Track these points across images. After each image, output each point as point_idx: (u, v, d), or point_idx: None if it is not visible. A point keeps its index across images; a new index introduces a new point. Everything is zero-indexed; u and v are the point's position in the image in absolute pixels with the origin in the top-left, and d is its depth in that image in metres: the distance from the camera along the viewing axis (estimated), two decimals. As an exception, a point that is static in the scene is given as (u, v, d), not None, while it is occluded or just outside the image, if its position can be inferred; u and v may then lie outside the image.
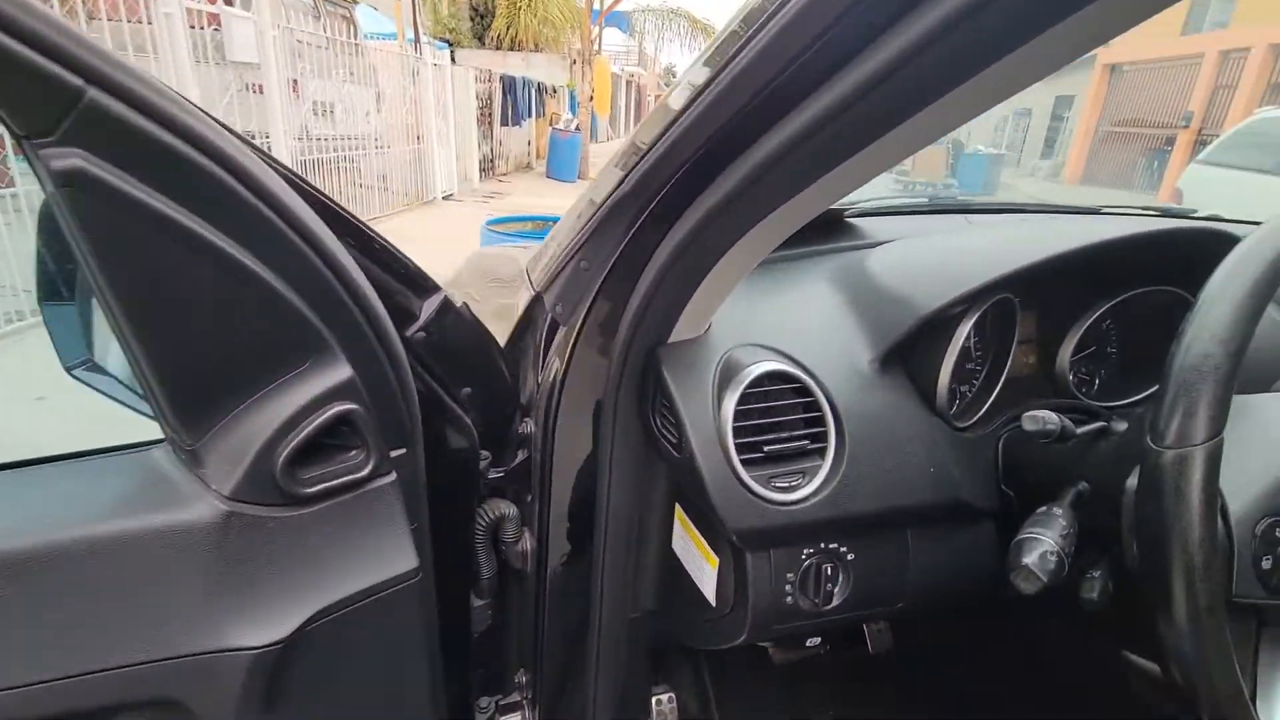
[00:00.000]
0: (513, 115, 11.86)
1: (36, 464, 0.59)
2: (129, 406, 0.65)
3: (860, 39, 0.41)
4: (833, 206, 1.19)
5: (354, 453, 0.60)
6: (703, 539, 0.78)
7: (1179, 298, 0.86)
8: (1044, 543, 0.61)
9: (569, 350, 0.78)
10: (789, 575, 0.72)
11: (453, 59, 9.57)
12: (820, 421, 0.72)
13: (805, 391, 0.73)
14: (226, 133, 0.48)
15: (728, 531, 0.69)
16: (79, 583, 0.49)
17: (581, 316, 0.76)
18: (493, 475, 0.92)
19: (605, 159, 0.83)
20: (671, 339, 0.74)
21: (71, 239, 0.44)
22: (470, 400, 0.84)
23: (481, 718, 1.02)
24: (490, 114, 11.00)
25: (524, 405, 0.93)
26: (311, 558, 0.57)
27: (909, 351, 0.80)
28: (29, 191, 3.42)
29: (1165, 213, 1.43)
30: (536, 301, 0.84)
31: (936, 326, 0.78)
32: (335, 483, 0.58)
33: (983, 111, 0.45)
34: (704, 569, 0.78)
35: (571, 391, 0.81)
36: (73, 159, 0.41)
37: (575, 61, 14.59)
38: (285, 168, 0.58)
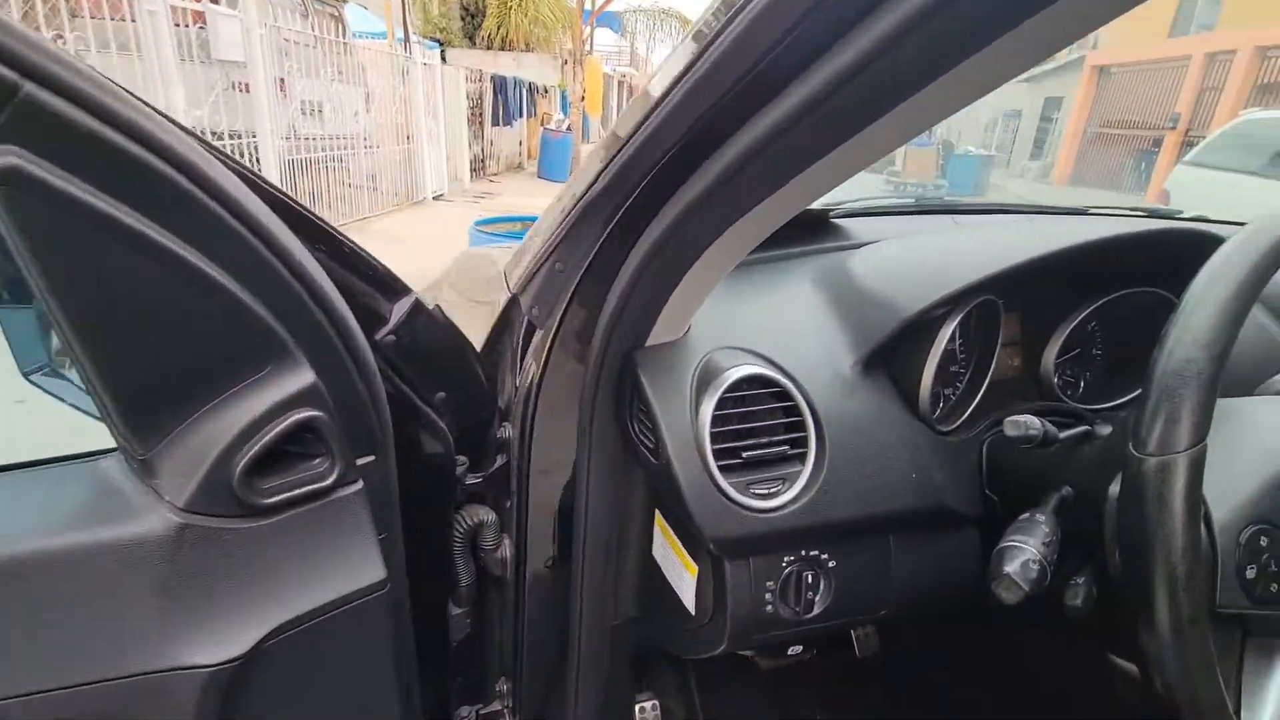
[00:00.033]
0: (504, 115, 11.82)
1: None
2: (90, 414, 0.63)
3: (832, 32, 0.40)
4: (818, 207, 1.18)
5: (318, 461, 0.58)
6: (682, 546, 0.76)
7: (1164, 299, 0.85)
8: (1026, 551, 0.59)
9: (545, 354, 0.77)
10: (769, 583, 0.71)
11: (443, 58, 9.52)
12: (800, 426, 0.71)
13: (785, 396, 0.71)
14: (176, 129, 0.46)
15: (705, 540, 0.67)
16: (21, 600, 0.47)
17: (558, 319, 0.74)
18: (470, 481, 0.91)
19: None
20: (649, 342, 0.73)
21: (10, 241, 0.42)
22: (445, 405, 0.82)
23: None
24: (481, 114, 10.96)
25: (502, 409, 0.92)
26: (271, 570, 0.55)
27: (891, 354, 0.78)
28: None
29: (1152, 213, 1.43)
30: (513, 304, 0.82)
31: (919, 329, 0.77)
32: (297, 492, 0.56)
33: (963, 106, 0.44)
34: (683, 577, 0.76)
35: (548, 396, 0.79)
36: (8, 157, 0.39)
37: (567, 62, 14.56)
38: (244, 167, 0.56)
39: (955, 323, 0.77)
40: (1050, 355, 0.88)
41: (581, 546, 0.84)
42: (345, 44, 6.60)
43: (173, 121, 0.47)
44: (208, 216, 0.47)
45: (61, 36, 3.99)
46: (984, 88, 0.41)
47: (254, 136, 5.24)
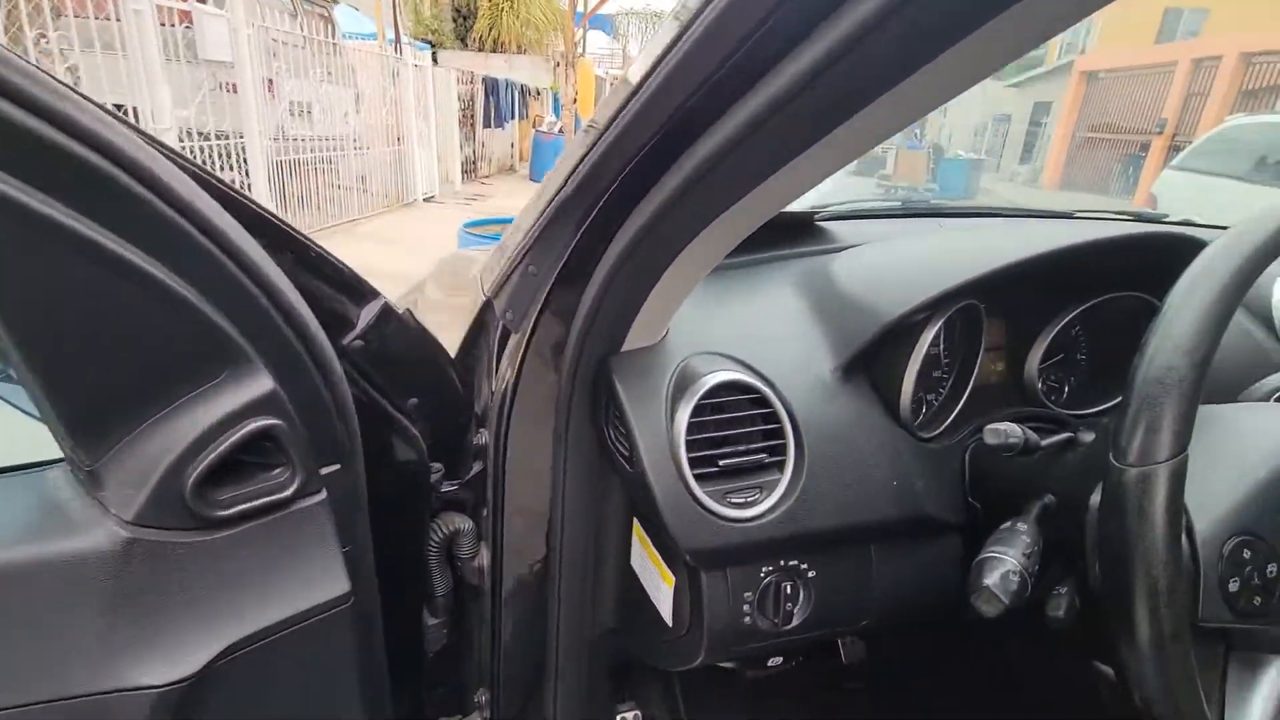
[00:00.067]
0: (495, 117, 11.80)
1: None
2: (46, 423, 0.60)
3: (809, 20, 0.38)
4: (802, 209, 1.17)
5: (278, 471, 0.56)
6: (659, 556, 0.75)
7: (1148, 304, 0.85)
8: (1006, 562, 0.58)
9: (519, 360, 0.75)
10: (747, 594, 0.69)
11: (435, 60, 9.49)
12: (779, 434, 0.69)
13: (764, 402, 0.70)
14: (118, 124, 0.44)
15: (681, 551, 0.65)
16: None
17: (531, 324, 0.72)
18: (446, 488, 0.89)
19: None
20: (626, 346, 0.71)
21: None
22: (418, 411, 0.80)
23: None
24: (473, 116, 10.93)
25: (479, 415, 0.90)
26: (227, 585, 0.53)
27: (872, 360, 0.77)
28: None
29: (1138, 217, 1.43)
30: (487, 308, 0.80)
31: (899, 334, 0.75)
32: (255, 503, 0.54)
33: (944, 101, 0.42)
34: (660, 588, 0.75)
35: (523, 402, 0.78)
36: None
37: (559, 64, 14.55)
38: (198, 166, 0.54)
39: (936, 328, 0.76)
40: (1034, 360, 0.87)
41: (558, 555, 0.82)
42: (335, 45, 6.56)
43: (116, 117, 0.45)
44: (153, 216, 0.45)
45: (45, 36, 3.94)
46: (967, 79, 0.39)
47: (241, 137, 5.19)
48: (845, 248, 0.98)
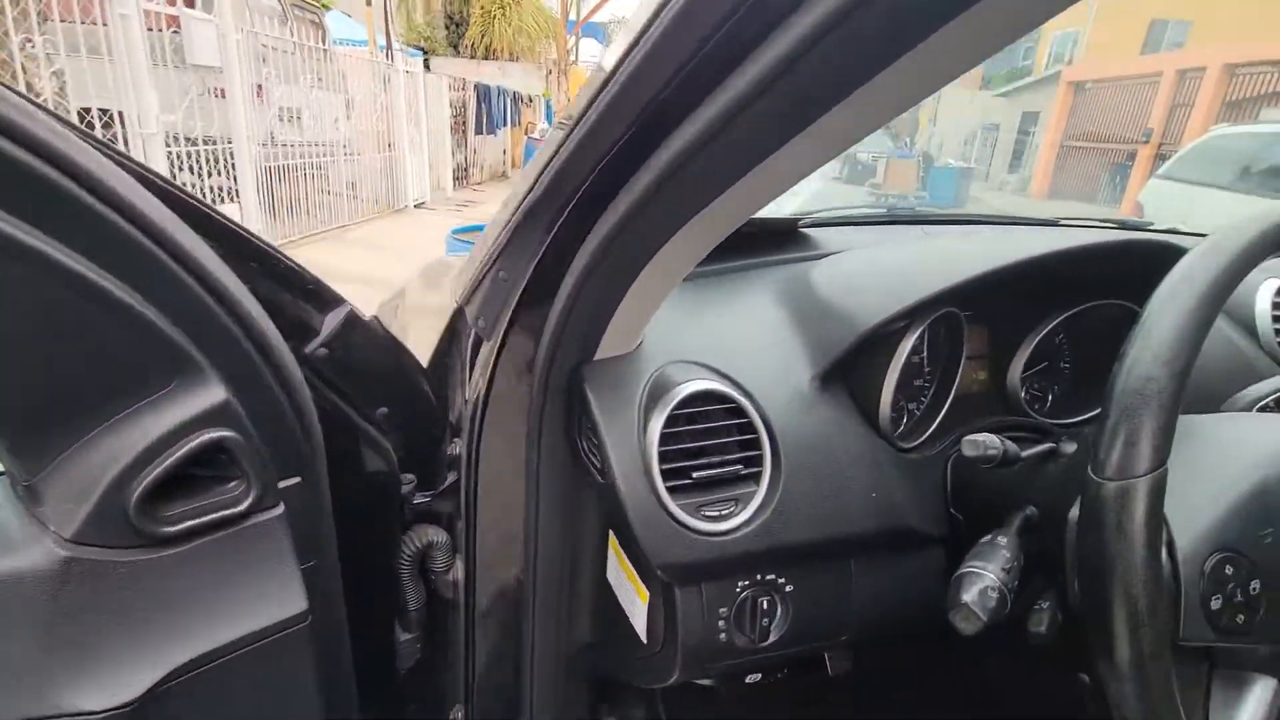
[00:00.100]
0: (488, 124, 11.79)
1: None
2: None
3: (780, 8, 0.37)
4: (786, 216, 1.16)
5: (232, 484, 0.54)
6: (634, 570, 0.73)
7: (1131, 312, 0.84)
8: (985, 577, 0.56)
9: (491, 368, 0.73)
10: (722, 610, 0.67)
11: (427, 66, 9.48)
12: (755, 444, 0.67)
13: (740, 412, 0.68)
14: (56, 123, 0.42)
15: (652, 565, 0.63)
16: None
17: (502, 331, 0.70)
18: (419, 500, 0.87)
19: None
20: (599, 354, 0.69)
21: None
22: (388, 420, 0.78)
23: None
24: (464, 122, 10.92)
25: (453, 425, 0.88)
26: (173, 605, 0.51)
27: (850, 369, 0.76)
28: None
29: (1123, 225, 1.42)
30: (459, 315, 0.78)
31: (877, 343, 0.74)
32: (206, 519, 0.52)
33: (925, 95, 0.41)
34: (635, 602, 0.73)
35: (496, 412, 0.76)
36: None
37: (551, 71, 14.59)
38: (152, 172, 0.52)
39: (915, 336, 0.74)
40: (1017, 369, 0.86)
41: (533, 568, 0.80)
42: (326, 50, 6.54)
43: (54, 115, 0.43)
44: (95, 220, 0.43)
45: (31, 40, 3.90)
46: (952, 68, 0.38)
47: (229, 142, 5.15)
48: (828, 255, 0.97)
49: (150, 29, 4.40)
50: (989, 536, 0.61)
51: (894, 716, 1.17)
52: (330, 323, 0.66)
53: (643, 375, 0.69)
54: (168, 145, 4.55)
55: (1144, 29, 15.28)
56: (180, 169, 4.72)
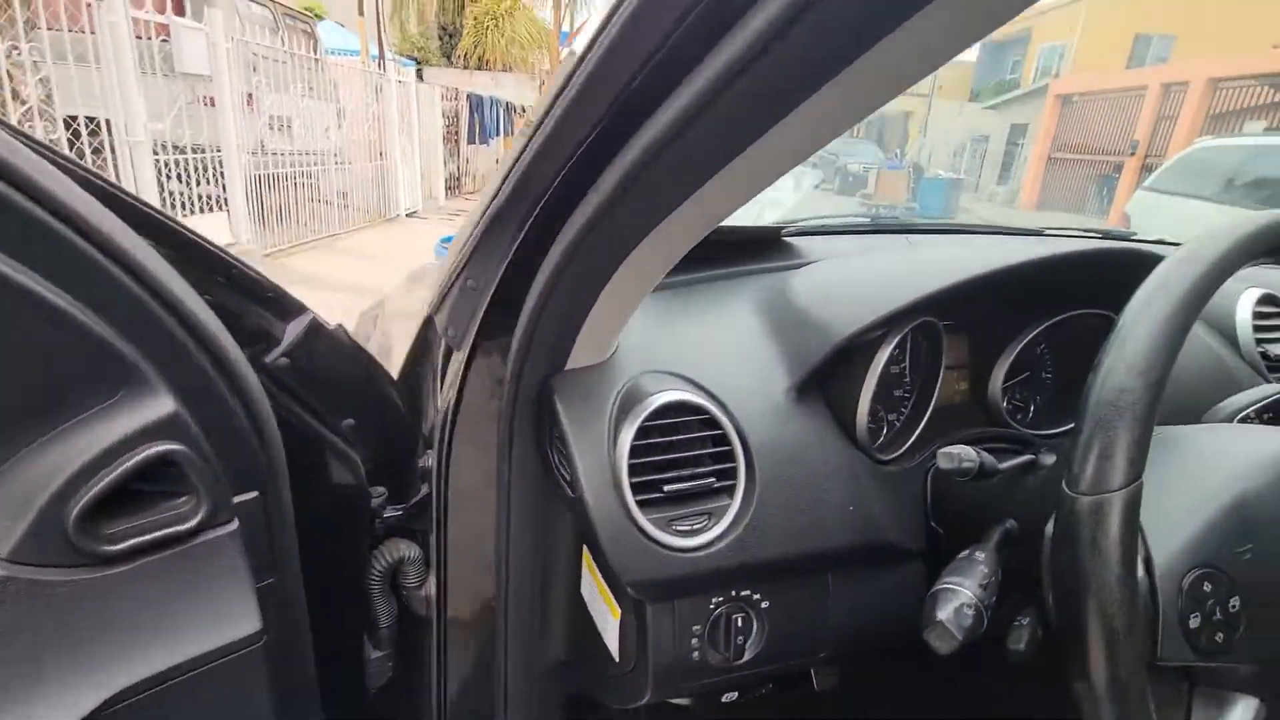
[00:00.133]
0: (480, 133, 11.81)
1: None
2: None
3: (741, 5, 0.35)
4: (770, 224, 1.15)
5: (182, 500, 0.52)
6: (606, 586, 0.71)
7: (1112, 321, 0.83)
8: (961, 594, 0.55)
9: (460, 378, 0.71)
10: (695, 627, 0.66)
11: (420, 77, 9.51)
12: (729, 457, 0.66)
13: (714, 424, 0.66)
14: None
15: (622, 582, 0.62)
16: None
17: (471, 340, 0.69)
18: (390, 514, 0.85)
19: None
20: (570, 365, 0.68)
21: None
22: (356, 432, 0.76)
23: None
24: (457, 132, 10.93)
25: (426, 436, 0.86)
26: (117, 627, 0.48)
27: (827, 380, 0.74)
28: None
29: (1108, 235, 1.42)
30: (428, 324, 0.76)
31: (853, 353, 0.73)
32: (152, 536, 0.50)
33: (902, 90, 0.39)
34: (608, 619, 0.71)
35: (466, 423, 0.74)
36: None
37: (544, 82, 14.63)
38: (95, 174, 0.50)
39: (892, 346, 0.73)
40: (997, 379, 0.85)
41: (504, 584, 0.78)
42: (317, 60, 6.54)
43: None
44: (25, 220, 0.41)
45: (17, 47, 3.88)
46: (932, 56, 0.36)
47: (218, 150, 5.13)
48: (809, 263, 0.96)
49: (139, 37, 4.38)
50: (967, 551, 0.60)
51: None
52: (292, 331, 0.64)
53: (614, 385, 0.67)
54: (156, 153, 4.52)
55: (1129, 43, 15.52)
56: (169, 177, 4.69)
